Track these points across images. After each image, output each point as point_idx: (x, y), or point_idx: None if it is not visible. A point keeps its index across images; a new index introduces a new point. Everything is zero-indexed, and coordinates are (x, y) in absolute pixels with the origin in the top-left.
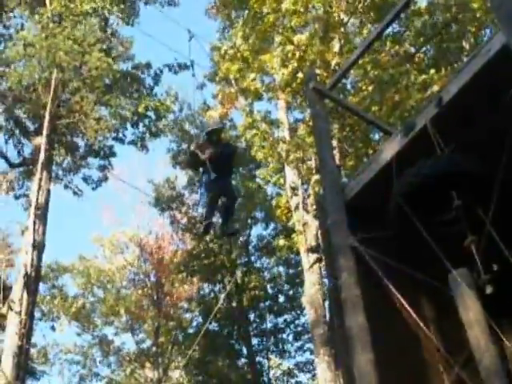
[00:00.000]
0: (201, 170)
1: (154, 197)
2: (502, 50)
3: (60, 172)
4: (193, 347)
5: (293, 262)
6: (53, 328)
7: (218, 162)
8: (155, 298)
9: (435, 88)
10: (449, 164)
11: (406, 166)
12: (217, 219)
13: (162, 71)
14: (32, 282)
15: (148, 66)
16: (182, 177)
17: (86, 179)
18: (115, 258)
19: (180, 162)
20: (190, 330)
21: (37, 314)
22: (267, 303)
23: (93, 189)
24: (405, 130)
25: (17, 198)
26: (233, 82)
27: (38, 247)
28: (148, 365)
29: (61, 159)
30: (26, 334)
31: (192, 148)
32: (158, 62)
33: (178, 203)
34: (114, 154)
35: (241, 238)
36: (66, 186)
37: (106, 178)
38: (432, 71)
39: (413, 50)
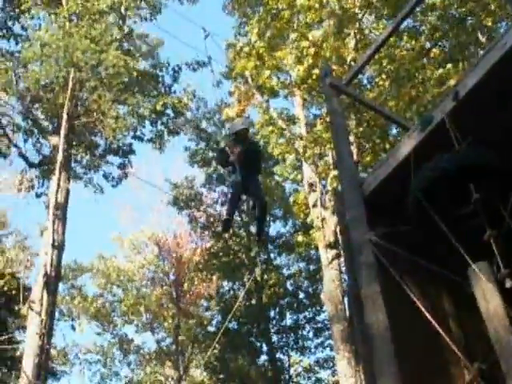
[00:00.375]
0: (229, 168)
1: (172, 196)
2: None
3: (80, 170)
4: (213, 345)
5: (313, 258)
6: (73, 327)
7: (245, 160)
8: (175, 296)
9: (452, 82)
10: (467, 158)
11: (424, 160)
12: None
13: (180, 69)
14: (52, 282)
15: (166, 64)
16: (200, 175)
17: (106, 176)
18: (134, 257)
19: (197, 161)
20: (210, 328)
21: (56, 315)
22: (287, 300)
23: (113, 186)
24: (422, 124)
25: (38, 196)
26: (249, 79)
27: (58, 247)
28: (168, 363)
29: (80, 158)
30: (47, 334)
31: (222, 145)
32: (176, 60)
33: (197, 202)
34: (133, 152)
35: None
36: (85, 185)
37: (125, 176)
38: (449, 65)
39: (428, 44)
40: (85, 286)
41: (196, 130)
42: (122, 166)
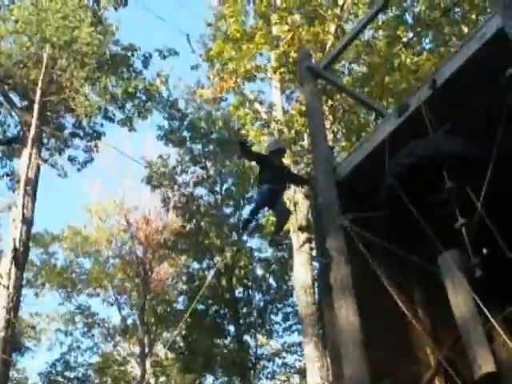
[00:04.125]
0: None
1: (146, 172)
2: (498, 33)
3: (45, 153)
4: (179, 325)
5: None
6: (36, 295)
7: (274, 172)
8: (142, 272)
9: (426, 68)
10: (441, 145)
11: (399, 146)
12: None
13: (150, 55)
14: (20, 256)
15: (135, 49)
16: (173, 154)
17: (71, 160)
18: (102, 228)
19: (172, 140)
20: (177, 307)
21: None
22: (256, 283)
23: (78, 170)
24: (398, 111)
25: (8, 175)
26: (225, 61)
27: (27, 222)
28: (133, 340)
29: (47, 140)
30: (14, 307)
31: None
32: (154, 39)
33: (170, 180)
34: (100, 135)
35: (231, 219)
36: (52, 166)
37: (91, 159)
38: (425, 54)
39: (411, 34)
40: (55, 256)
41: (171, 109)
42: (88, 150)
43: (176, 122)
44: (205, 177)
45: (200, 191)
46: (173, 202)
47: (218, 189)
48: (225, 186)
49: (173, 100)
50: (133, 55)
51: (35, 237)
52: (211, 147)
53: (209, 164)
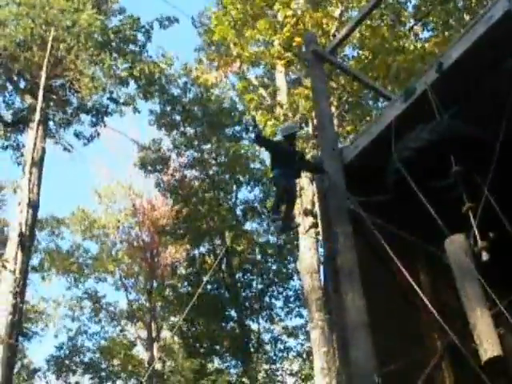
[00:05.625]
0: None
1: (139, 158)
2: (504, 16)
3: (52, 127)
4: (185, 311)
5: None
6: (43, 278)
7: (286, 157)
8: (148, 257)
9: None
10: (448, 129)
11: (406, 130)
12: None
13: (152, 27)
14: (26, 241)
15: (137, 20)
16: (167, 138)
17: (77, 135)
18: (110, 212)
19: (164, 124)
20: (182, 291)
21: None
22: (257, 267)
23: (84, 144)
24: (405, 94)
25: (4, 148)
26: (229, 46)
27: (33, 206)
28: (140, 324)
29: (52, 116)
30: (20, 292)
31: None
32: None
33: (164, 165)
34: (106, 111)
35: (226, 202)
36: (56, 142)
37: (97, 134)
38: (431, 38)
39: (412, 21)
40: (60, 238)
41: (163, 93)
42: (93, 124)
43: (168, 106)
44: (199, 160)
45: (195, 174)
46: (167, 186)
47: (212, 172)
48: (220, 169)
49: (168, 80)
50: (133, 29)
51: (41, 221)
52: (204, 129)
53: (203, 147)
